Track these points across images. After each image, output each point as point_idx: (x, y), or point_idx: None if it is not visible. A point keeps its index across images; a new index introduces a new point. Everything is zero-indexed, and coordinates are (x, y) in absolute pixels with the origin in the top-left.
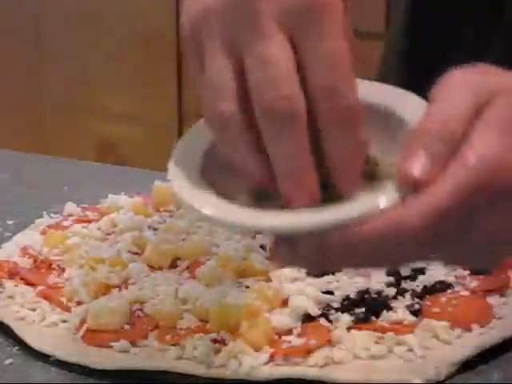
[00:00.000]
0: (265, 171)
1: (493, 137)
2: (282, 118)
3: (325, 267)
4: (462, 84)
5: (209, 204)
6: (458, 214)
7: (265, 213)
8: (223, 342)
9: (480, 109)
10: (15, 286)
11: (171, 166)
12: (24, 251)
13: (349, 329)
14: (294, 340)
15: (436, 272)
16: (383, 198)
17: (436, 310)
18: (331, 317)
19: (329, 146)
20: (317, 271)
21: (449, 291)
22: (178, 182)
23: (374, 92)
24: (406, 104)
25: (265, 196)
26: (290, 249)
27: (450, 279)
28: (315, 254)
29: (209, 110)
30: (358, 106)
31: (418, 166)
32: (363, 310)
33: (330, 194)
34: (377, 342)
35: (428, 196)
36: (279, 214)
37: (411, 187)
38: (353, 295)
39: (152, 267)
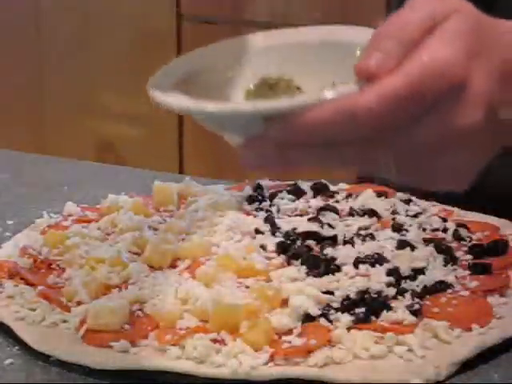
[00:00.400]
0: None
1: (446, 43)
2: None
3: (287, 162)
4: (422, 2)
5: (176, 98)
6: (408, 104)
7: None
8: (223, 342)
9: (437, 23)
10: (15, 285)
11: (150, 80)
12: (24, 251)
13: (349, 329)
14: (294, 340)
15: (436, 272)
16: (341, 88)
17: (436, 310)
18: (331, 317)
19: None
20: (280, 168)
21: (449, 291)
22: (154, 90)
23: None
24: (366, 34)
25: None
26: (256, 147)
27: (450, 279)
28: (277, 148)
29: None
30: None
31: (372, 61)
32: (363, 310)
33: None
34: (377, 342)
35: (381, 84)
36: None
37: (366, 79)
38: (353, 295)
39: (152, 267)
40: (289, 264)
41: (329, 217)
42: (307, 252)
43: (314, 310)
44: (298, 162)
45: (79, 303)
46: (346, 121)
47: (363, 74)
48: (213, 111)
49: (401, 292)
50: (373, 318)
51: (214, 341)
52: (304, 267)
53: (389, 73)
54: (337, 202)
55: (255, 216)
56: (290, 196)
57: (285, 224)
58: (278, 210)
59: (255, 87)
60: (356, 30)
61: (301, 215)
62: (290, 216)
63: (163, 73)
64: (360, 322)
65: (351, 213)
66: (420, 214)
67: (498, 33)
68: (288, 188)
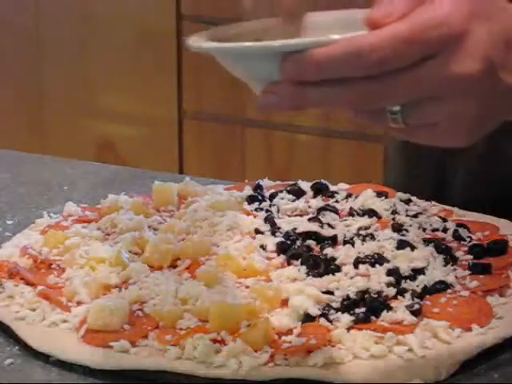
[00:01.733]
0: None
1: (451, 0)
2: None
3: (301, 100)
4: None
5: (209, 43)
6: (408, 46)
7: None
8: (223, 342)
9: None
10: (15, 285)
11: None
12: (24, 251)
13: (349, 329)
14: (294, 340)
15: (436, 272)
16: (349, 34)
17: (436, 310)
18: (331, 317)
19: None
20: (295, 107)
21: (449, 291)
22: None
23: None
24: None
25: None
26: (274, 90)
27: (450, 279)
28: (292, 88)
29: None
30: None
31: (380, 12)
32: (363, 310)
33: None
34: (377, 342)
35: (385, 27)
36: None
37: (372, 26)
38: (353, 295)
39: (152, 267)
40: (289, 264)
41: (329, 217)
42: (307, 252)
43: (314, 310)
44: (310, 100)
45: (79, 303)
46: (351, 56)
47: (371, 23)
48: (243, 47)
49: (401, 292)
50: (373, 318)
51: (214, 341)
52: (304, 267)
53: (395, 21)
54: (337, 202)
55: (255, 216)
56: (290, 196)
57: (285, 224)
58: (278, 210)
59: None
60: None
61: (301, 215)
62: (289, 216)
63: (199, 34)
64: (360, 322)
65: (351, 213)
66: (420, 214)
67: (505, 4)
68: (288, 188)
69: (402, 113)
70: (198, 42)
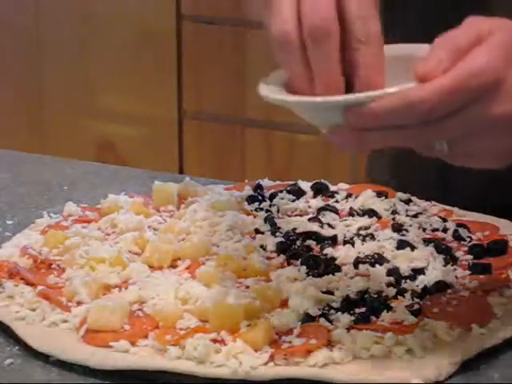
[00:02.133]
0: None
1: (488, 51)
2: (321, 34)
3: (361, 143)
4: (467, 21)
5: (281, 95)
6: (454, 96)
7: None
8: (223, 342)
9: (483, 38)
10: (15, 285)
11: (261, 86)
12: (24, 251)
13: (349, 329)
14: (294, 340)
15: (436, 272)
16: (402, 85)
17: (436, 310)
18: (331, 317)
19: (357, 56)
20: (356, 149)
21: (449, 291)
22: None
23: (396, 48)
24: (424, 48)
25: None
26: (338, 133)
27: (450, 279)
28: (354, 133)
29: (277, 31)
30: (379, 32)
31: (428, 65)
32: (363, 310)
33: None
34: (377, 342)
35: (433, 81)
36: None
37: (421, 80)
38: (353, 295)
39: (152, 267)
40: (289, 264)
41: (329, 217)
42: (307, 252)
43: (314, 310)
44: (369, 142)
45: (79, 303)
46: (404, 108)
47: (420, 76)
48: (309, 102)
49: (401, 292)
50: (373, 318)
51: (214, 341)
52: (304, 267)
53: (441, 74)
54: (337, 202)
55: (255, 216)
56: (290, 196)
57: (285, 224)
58: (278, 210)
59: None
60: (418, 45)
61: (301, 215)
62: (290, 216)
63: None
64: (360, 321)
65: (351, 213)
66: (420, 214)
67: None
68: (288, 188)
69: (448, 144)
70: (266, 91)
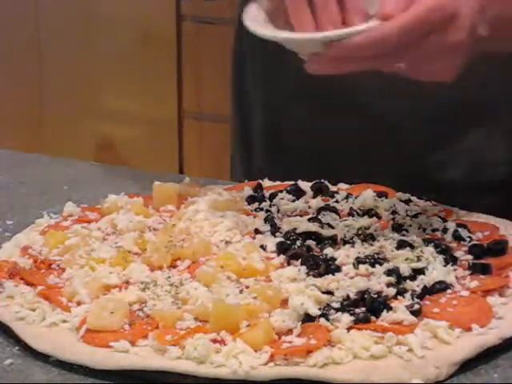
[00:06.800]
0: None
1: None
2: None
3: (337, 68)
4: None
5: (268, 30)
6: (414, 30)
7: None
8: (223, 342)
9: None
10: (15, 285)
11: (247, 19)
12: (24, 251)
13: (349, 329)
14: (294, 340)
15: (436, 272)
16: (371, 22)
17: (436, 310)
18: (331, 317)
19: None
20: (332, 72)
21: (449, 291)
22: (250, 23)
23: None
24: None
25: None
26: (317, 61)
27: (450, 279)
28: (331, 61)
29: None
30: None
31: (386, 8)
32: (363, 310)
33: None
34: (377, 342)
35: (395, 19)
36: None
37: (383, 19)
38: (353, 295)
39: (152, 267)
40: (289, 264)
41: (329, 217)
42: (307, 252)
43: (314, 310)
44: (344, 68)
45: (79, 303)
46: (375, 42)
47: (380, 16)
48: (293, 38)
49: (401, 292)
50: (373, 318)
51: (214, 341)
52: (304, 267)
53: (399, 13)
54: (337, 202)
55: (255, 216)
56: (290, 196)
57: (285, 224)
58: (278, 210)
59: None
60: None
61: (301, 215)
62: (289, 216)
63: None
64: (360, 322)
65: (351, 213)
66: (420, 214)
67: None
68: (288, 188)
69: (408, 68)
70: (253, 24)
